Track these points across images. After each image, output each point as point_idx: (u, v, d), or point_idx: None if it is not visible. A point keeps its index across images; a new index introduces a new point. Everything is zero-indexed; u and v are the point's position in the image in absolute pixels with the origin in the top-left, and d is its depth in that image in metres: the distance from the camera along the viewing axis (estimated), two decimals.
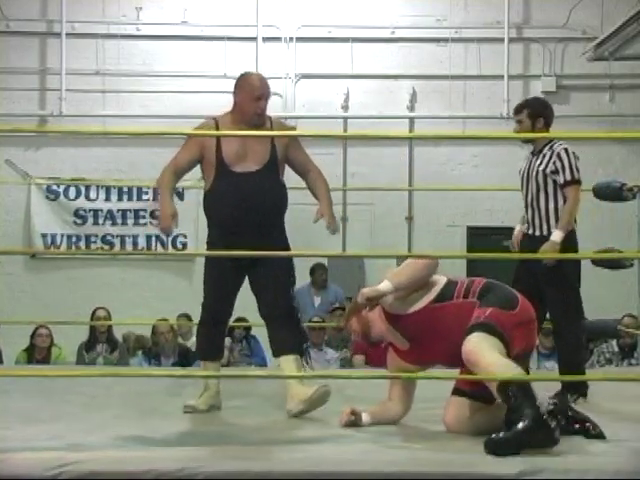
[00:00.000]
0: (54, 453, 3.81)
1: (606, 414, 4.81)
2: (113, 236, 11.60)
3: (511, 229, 6.01)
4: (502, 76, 11.36)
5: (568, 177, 5.53)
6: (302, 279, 8.69)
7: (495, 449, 3.84)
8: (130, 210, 11.61)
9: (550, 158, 5.56)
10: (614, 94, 11.63)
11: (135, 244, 11.57)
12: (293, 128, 6.96)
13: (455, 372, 4.52)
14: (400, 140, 11.44)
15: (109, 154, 11.56)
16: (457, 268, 10.33)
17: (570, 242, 5.51)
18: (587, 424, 4.24)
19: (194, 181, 6.82)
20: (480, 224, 11.57)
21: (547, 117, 5.72)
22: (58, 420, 4.73)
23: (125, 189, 11.52)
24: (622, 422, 4.71)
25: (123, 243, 11.59)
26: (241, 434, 4.46)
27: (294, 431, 4.58)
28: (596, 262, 6.50)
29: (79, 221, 11.57)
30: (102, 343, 9.36)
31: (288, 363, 5.01)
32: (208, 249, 5.19)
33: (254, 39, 11.45)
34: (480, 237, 11.47)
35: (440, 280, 4.49)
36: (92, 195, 11.59)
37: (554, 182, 5.56)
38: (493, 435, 3.91)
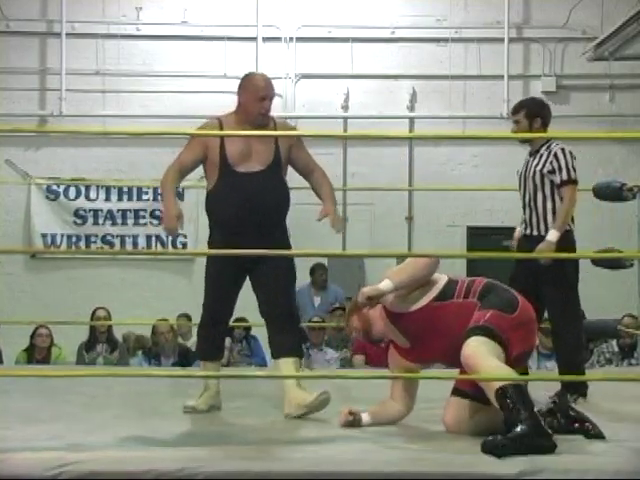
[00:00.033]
0: (54, 453, 3.81)
1: (606, 414, 4.82)
2: (113, 236, 11.59)
3: (511, 229, 6.01)
4: (502, 76, 11.35)
5: (565, 177, 5.53)
6: (302, 279, 8.68)
7: (492, 452, 3.83)
8: (130, 210, 11.61)
9: (547, 158, 5.56)
10: (614, 94, 11.62)
11: (135, 244, 11.57)
12: (294, 129, 6.95)
13: (455, 372, 4.51)
14: (400, 140, 11.44)
15: (109, 154, 11.55)
16: (457, 268, 10.34)
17: (568, 242, 5.51)
18: (587, 424, 4.24)
19: (194, 181, 6.83)
20: (480, 224, 11.57)
21: (544, 117, 5.72)
22: (58, 420, 4.73)
23: (125, 189, 11.52)
24: (622, 422, 4.71)
25: (123, 243, 11.58)
26: (241, 434, 4.46)
27: (294, 431, 4.58)
28: (596, 262, 6.50)
29: (79, 221, 11.57)
30: (102, 343, 9.36)
31: (287, 366, 5.00)
32: (210, 249, 5.18)
33: (254, 39, 11.44)
34: (480, 237, 11.46)
35: (441, 279, 4.49)
36: (92, 195, 11.59)
37: (551, 182, 5.55)
38: (490, 437, 3.91)
